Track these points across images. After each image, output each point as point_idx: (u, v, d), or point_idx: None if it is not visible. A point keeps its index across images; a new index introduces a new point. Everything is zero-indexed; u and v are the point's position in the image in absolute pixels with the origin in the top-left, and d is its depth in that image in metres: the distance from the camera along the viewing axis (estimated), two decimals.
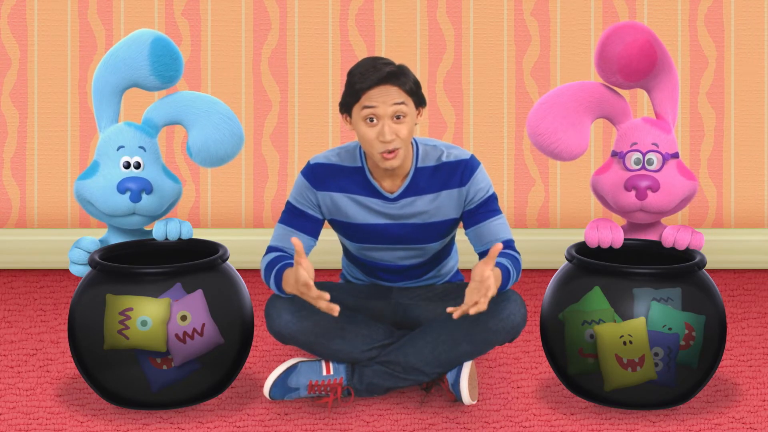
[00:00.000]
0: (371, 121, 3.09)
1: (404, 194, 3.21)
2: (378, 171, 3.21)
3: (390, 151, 3.09)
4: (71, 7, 4.47)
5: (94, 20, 4.47)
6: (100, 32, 4.47)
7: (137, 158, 3.32)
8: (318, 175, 3.23)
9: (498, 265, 3.11)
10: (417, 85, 3.12)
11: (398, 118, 3.08)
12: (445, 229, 3.26)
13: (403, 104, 3.08)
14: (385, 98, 3.07)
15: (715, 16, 4.48)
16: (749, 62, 4.49)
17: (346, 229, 3.26)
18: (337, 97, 4.49)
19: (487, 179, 3.23)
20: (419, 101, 3.13)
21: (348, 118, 3.14)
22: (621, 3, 4.48)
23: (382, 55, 4.45)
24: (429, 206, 3.22)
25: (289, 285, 3.09)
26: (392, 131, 3.08)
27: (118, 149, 3.31)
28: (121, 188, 3.27)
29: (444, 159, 3.22)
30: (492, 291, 2.95)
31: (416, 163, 3.21)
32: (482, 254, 3.21)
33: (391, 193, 3.21)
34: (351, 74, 3.11)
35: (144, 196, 3.28)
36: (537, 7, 4.49)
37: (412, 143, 3.22)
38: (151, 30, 3.39)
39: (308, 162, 3.26)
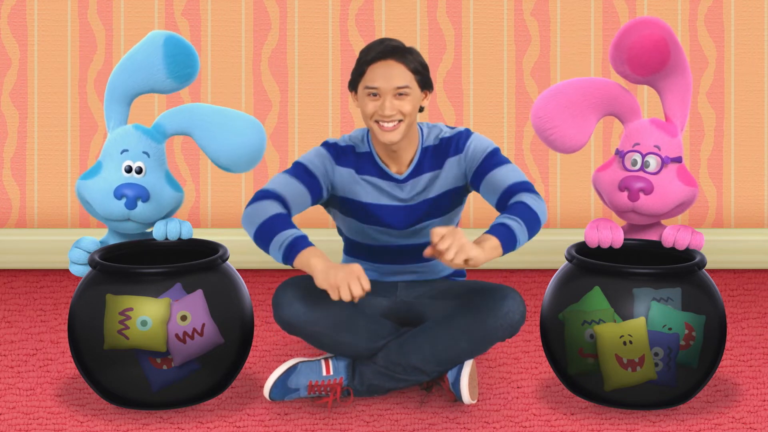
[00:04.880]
0: (374, 96, 3.12)
1: (412, 174, 3.24)
2: (384, 153, 3.23)
3: (388, 122, 3.11)
4: (71, 7, 4.47)
5: (94, 20, 4.47)
6: (100, 32, 4.47)
7: (140, 163, 3.29)
8: (337, 150, 3.26)
9: (497, 227, 3.01)
10: (424, 66, 3.15)
11: (401, 95, 3.12)
12: (450, 199, 3.25)
13: (406, 87, 3.12)
14: (388, 78, 3.11)
15: (715, 16, 4.48)
16: (749, 62, 4.49)
17: (355, 208, 3.25)
18: (338, 98, 4.49)
19: (485, 140, 3.23)
20: (425, 82, 3.16)
21: (355, 96, 3.18)
22: (621, 3, 4.47)
23: None
24: (433, 179, 3.23)
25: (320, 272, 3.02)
26: (393, 107, 3.11)
27: (121, 152, 3.29)
28: (117, 194, 3.24)
29: (442, 135, 3.25)
30: (448, 240, 2.91)
31: (422, 144, 3.24)
32: (500, 207, 3.13)
33: (400, 174, 3.23)
34: (359, 53, 3.17)
35: (139, 203, 3.26)
36: (537, 7, 4.48)
37: (417, 128, 3.24)
38: (163, 31, 3.35)
39: (325, 141, 3.27)
